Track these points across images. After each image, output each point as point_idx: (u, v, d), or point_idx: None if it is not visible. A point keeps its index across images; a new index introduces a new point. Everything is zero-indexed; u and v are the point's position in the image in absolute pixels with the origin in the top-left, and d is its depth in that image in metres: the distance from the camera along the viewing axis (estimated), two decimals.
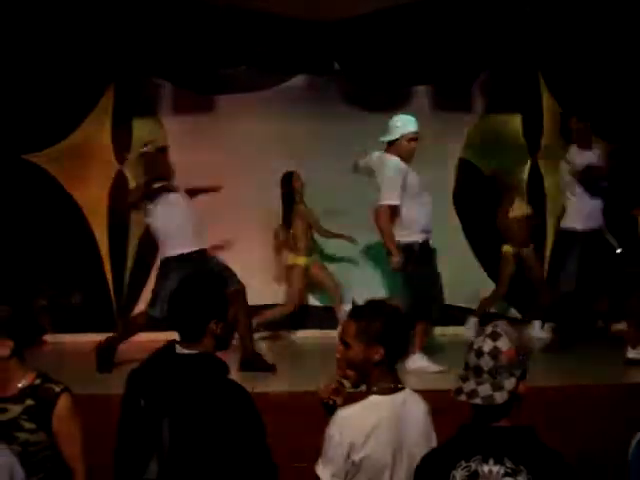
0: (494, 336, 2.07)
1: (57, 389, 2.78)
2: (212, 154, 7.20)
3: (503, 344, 2.05)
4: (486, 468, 1.97)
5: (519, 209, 7.18)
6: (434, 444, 2.45)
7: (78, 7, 6.82)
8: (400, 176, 5.48)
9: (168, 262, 5.75)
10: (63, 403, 2.77)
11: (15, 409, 2.73)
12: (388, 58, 7.30)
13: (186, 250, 5.75)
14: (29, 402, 2.74)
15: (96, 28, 6.97)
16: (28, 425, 2.72)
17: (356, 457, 2.42)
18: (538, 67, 7.65)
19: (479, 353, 2.05)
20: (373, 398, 2.50)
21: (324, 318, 7.32)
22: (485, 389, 2.02)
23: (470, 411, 2.08)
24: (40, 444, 2.72)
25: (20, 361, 2.80)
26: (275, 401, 4.36)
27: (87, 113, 7.36)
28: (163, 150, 5.96)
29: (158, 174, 5.78)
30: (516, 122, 7.81)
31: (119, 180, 7.49)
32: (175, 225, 5.79)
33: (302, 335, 7.46)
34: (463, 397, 2.04)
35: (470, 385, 2.04)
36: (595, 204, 6.23)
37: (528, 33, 7.23)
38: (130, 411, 2.46)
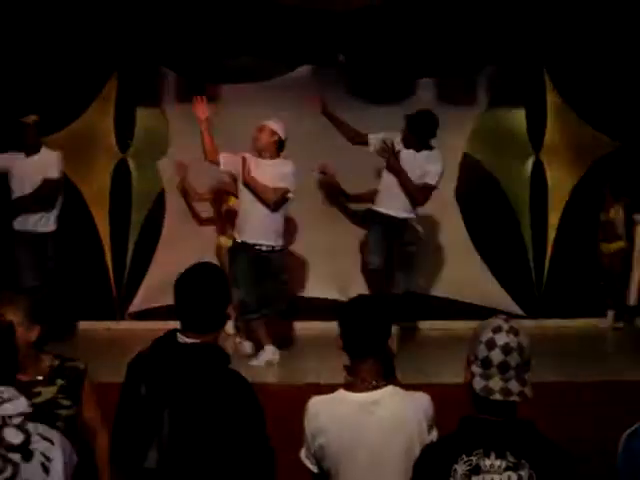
0: (515, 331, 2.06)
1: (82, 366, 3.06)
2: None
3: (524, 339, 2.05)
4: (488, 462, 1.96)
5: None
6: (417, 446, 2.38)
7: None
8: None
9: None
10: (88, 378, 3.06)
11: (49, 390, 2.93)
12: (393, 50, 7.29)
13: None
14: (60, 382, 2.96)
15: (100, 16, 6.97)
16: (66, 402, 2.93)
17: (317, 444, 2.49)
18: (543, 62, 7.62)
19: (507, 349, 2.02)
20: (339, 393, 2.54)
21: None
22: (515, 386, 2.01)
23: (471, 405, 2.07)
24: (75, 418, 2.96)
25: (40, 346, 2.99)
26: (275, 392, 4.37)
27: (90, 101, 7.35)
28: None
29: None
30: (520, 117, 7.78)
31: (121, 168, 7.48)
32: None
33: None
34: (497, 396, 2.01)
35: (497, 383, 2.02)
36: None
37: (533, 27, 7.22)
38: (130, 399, 2.46)
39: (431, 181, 5.89)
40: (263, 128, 5.88)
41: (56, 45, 7.06)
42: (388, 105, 7.42)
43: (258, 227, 5.74)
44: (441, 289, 7.55)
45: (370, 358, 2.54)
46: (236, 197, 6.46)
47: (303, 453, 2.57)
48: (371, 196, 6.76)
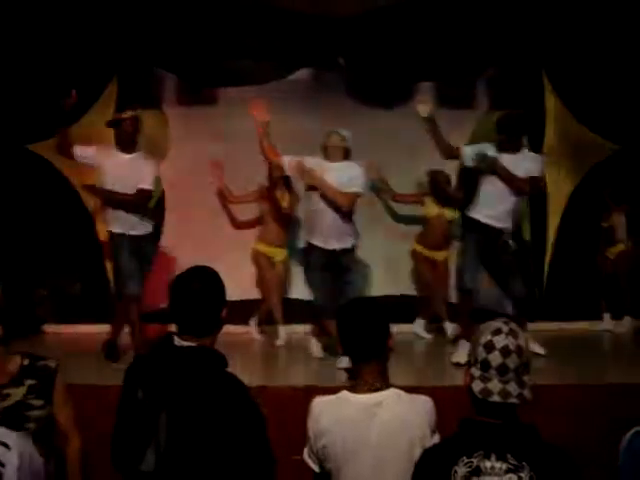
0: (514, 334, 2.06)
1: (53, 365, 2.98)
2: (214, 146, 7.20)
3: (523, 341, 2.06)
4: (488, 464, 1.96)
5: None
6: (419, 449, 2.38)
7: None
8: None
9: None
10: (60, 376, 2.97)
11: (18, 392, 2.86)
12: (393, 54, 7.31)
13: None
14: (30, 382, 2.89)
15: (100, 19, 6.98)
16: (36, 402, 2.87)
17: (319, 444, 2.50)
18: (542, 65, 7.64)
19: (506, 352, 2.03)
20: (343, 394, 2.55)
21: None
22: (514, 388, 2.02)
23: (471, 407, 2.07)
24: (47, 417, 2.90)
25: (6, 347, 2.93)
26: (274, 395, 4.36)
27: (91, 104, 7.35)
28: None
29: None
30: None
31: None
32: None
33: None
34: (496, 398, 2.02)
35: (496, 385, 2.03)
36: None
37: (532, 31, 7.23)
38: (128, 402, 2.46)
39: (535, 174, 5.79)
40: (335, 133, 5.93)
41: (57, 49, 7.08)
42: (388, 108, 7.44)
43: (329, 230, 5.81)
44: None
45: (372, 360, 2.54)
46: (271, 201, 6.77)
47: (306, 452, 2.59)
48: (416, 198, 7.02)
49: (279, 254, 7.09)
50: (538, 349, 5.91)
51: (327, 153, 5.92)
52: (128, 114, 5.81)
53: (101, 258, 7.39)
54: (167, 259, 7.09)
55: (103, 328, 7.16)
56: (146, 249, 5.99)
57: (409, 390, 2.55)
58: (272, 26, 7.16)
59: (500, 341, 2.04)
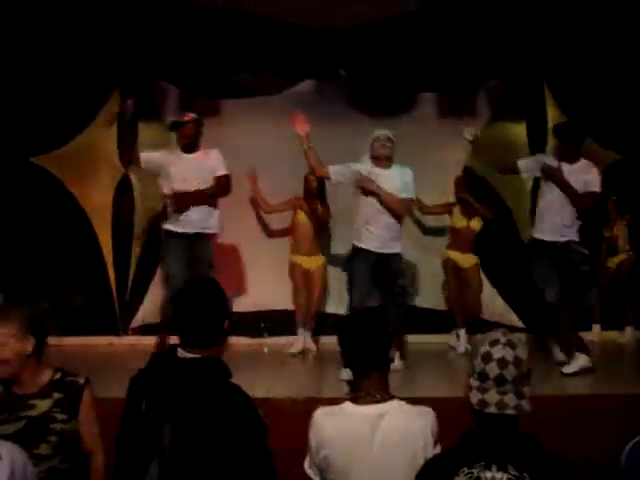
0: (512, 345, 2.05)
1: (81, 381, 3.00)
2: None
3: (522, 352, 2.05)
4: (489, 475, 1.96)
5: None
6: (421, 460, 2.36)
7: (85, 11, 6.85)
8: None
9: None
10: (88, 392, 2.99)
11: (44, 404, 2.89)
12: (394, 65, 7.35)
13: None
14: (57, 395, 2.92)
15: (102, 32, 7.01)
16: (61, 416, 2.88)
17: (321, 455, 2.50)
18: (543, 75, 7.65)
19: (503, 363, 2.02)
20: (345, 405, 2.55)
21: None
22: (511, 399, 2.01)
23: (473, 418, 2.07)
24: (72, 432, 2.90)
25: (38, 358, 2.98)
26: (277, 406, 4.36)
27: (93, 116, 7.38)
28: None
29: None
30: (521, 131, 7.80)
31: (124, 184, 7.50)
32: None
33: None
34: (492, 409, 2.02)
35: (493, 396, 2.02)
36: None
37: (534, 41, 7.26)
38: (131, 414, 2.47)
39: (595, 188, 5.80)
40: (382, 139, 5.92)
41: (59, 61, 7.11)
42: (389, 119, 7.43)
43: (381, 234, 5.83)
44: (442, 303, 7.55)
45: (374, 372, 2.55)
46: (307, 211, 6.92)
47: (307, 463, 2.58)
48: (444, 209, 7.10)
49: (315, 262, 7.11)
50: (561, 357, 5.95)
51: (377, 160, 5.92)
52: (189, 117, 5.92)
53: (104, 269, 7.41)
54: None
55: (106, 340, 7.22)
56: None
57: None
58: (273, 39, 7.20)
59: (497, 352, 2.04)
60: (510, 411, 2.00)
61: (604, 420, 4.36)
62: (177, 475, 2.37)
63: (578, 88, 7.49)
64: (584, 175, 5.75)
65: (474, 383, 2.06)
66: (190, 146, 5.89)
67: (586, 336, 7.12)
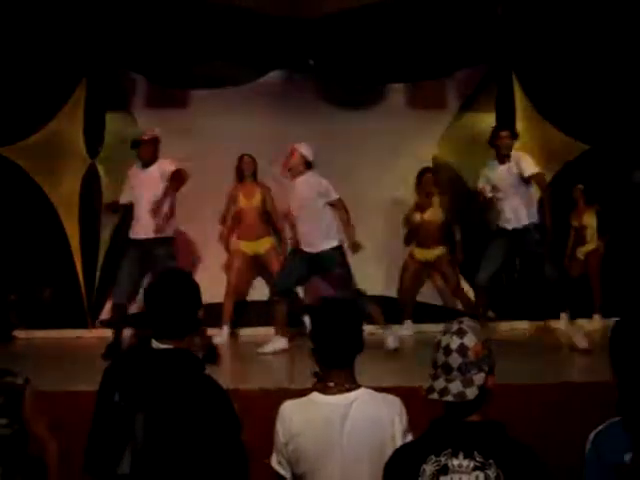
0: (460, 333, 2.07)
1: (20, 381, 2.90)
2: (185, 149, 7.16)
3: (469, 340, 2.06)
4: (456, 462, 1.98)
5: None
6: (390, 448, 2.35)
7: (52, 0, 6.77)
8: None
9: None
10: (29, 393, 2.89)
11: None
12: (363, 55, 7.33)
13: None
14: None
15: (69, 21, 6.93)
16: (1, 421, 2.81)
17: (290, 448, 2.48)
18: (512, 66, 7.69)
19: (447, 351, 2.05)
20: (313, 395, 2.54)
21: None
22: (456, 386, 2.03)
23: (442, 407, 2.09)
24: (16, 436, 2.84)
25: None
26: (248, 397, 4.36)
27: (59, 107, 7.30)
28: None
29: None
30: (489, 121, 7.83)
31: (91, 174, 7.43)
32: None
33: None
34: (435, 395, 2.04)
35: (440, 383, 2.05)
36: None
37: (502, 32, 7.30)
38: (104, 405, 2.45)
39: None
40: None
41: (25, 51, 7.01)
42: (358, 110, 7.46)
43: None
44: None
45: (346, 363, 2.55)
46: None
47: (274, 459, 2.56)
48: None
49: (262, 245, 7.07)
50: (581, 343, 6.05)
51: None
52: (148, 136, 6.16)
53: (72, 261, 7.34)
54: None
55: (74, 333, 7.16)
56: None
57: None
58: (242, 28, 7.15)
59: (444, 340, 2.07)
60: (449, 398, 2.02)
61: (568, 408, 4.41)
62: (150, 466, 2.36)
63: (546, 78, 7.54)
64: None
65: (430, 371, 2.09)
66: (148, 162, 6.14)
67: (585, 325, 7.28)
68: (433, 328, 7.14)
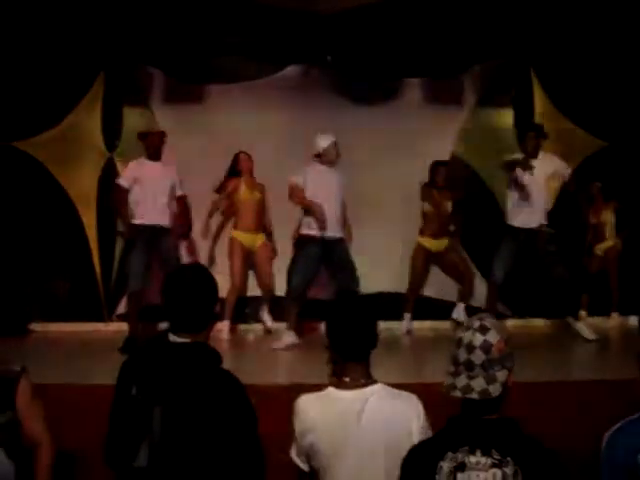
0: (483, 330, 2.06)
1: (14, 371, 2.80)
2: (202, 143, 7.18)
3: (493, 337, 2.05)
4: (473, 459, 1.97)
5: None
6: (406, 445, 2.32)
7: None
8: None
9: None
10: (25, 382, 2.80)
11: None
12: (380, 50, 7.33)
13: None
14: None
15: (88, 16, 6.94)
16: None
17: (306, 442, 2.48)
18: (530, 62, 7.65)
19: (470, 348, 2.04)
20: (329, 390, 2.53)
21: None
22: (479, 383, 2.02)
23: (459, 404, 2.07)
24: (8, 425, 2.74)
25: None
26: (267, 393, 4.36)
27: (78, 101, 7.33)
28: None
29: None
30: (507, 117, 7.81)
31: (109, 168, 7.45)
32: None
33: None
34: (458, 393, 2.02)
35: (462, 380, 2.03)
36: None
37: (521, 27, 7.25)
38: (122, 399, 2.46)
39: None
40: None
41: (44, 45, 7.04)
42: (375, 105, 7.45)
43: None
44: (429, 289, 7.56)
45: (362, 358, 2.54)
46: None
47: (293, 452, 2.57)
48: None
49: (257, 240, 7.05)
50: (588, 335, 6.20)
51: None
52: (155, 129, 6.40)
53: (89, 255, 7.38)
54: None
55: (91, 326, 7.19)
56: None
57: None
58: (260, 23, 7.15)
59: (467, 337, 2.05)
60: (474, 395, 2.01)
61: (588, 407, 4.38)
62: (167, 460, 2.37)
63: (564, 74, 7.50)
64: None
65: (449, 368, 2.08)
66: (153, 154, 6.26)
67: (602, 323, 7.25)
68: (428, 325, 7.29)
